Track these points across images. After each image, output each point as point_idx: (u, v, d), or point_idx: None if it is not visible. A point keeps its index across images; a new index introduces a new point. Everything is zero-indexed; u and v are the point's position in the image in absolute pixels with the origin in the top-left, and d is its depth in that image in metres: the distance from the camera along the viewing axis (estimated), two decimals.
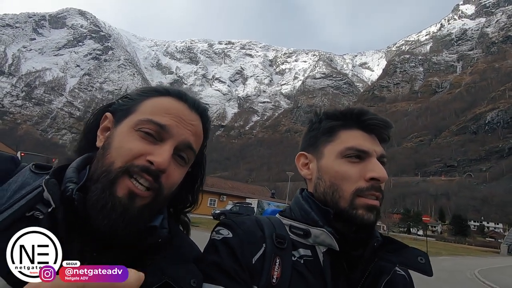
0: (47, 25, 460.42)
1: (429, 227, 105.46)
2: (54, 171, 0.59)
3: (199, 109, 0.69)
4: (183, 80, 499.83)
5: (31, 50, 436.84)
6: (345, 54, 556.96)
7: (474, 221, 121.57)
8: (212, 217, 27.37)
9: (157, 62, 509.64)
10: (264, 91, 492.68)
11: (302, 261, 0.66)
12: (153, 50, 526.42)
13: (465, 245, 60.33)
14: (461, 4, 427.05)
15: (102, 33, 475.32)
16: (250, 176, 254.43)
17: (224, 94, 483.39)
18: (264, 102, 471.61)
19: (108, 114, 0.67)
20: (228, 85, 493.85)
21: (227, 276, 0.62)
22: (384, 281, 0.65)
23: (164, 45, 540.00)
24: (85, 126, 0.70)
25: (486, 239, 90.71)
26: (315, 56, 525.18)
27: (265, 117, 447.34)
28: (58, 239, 0.41)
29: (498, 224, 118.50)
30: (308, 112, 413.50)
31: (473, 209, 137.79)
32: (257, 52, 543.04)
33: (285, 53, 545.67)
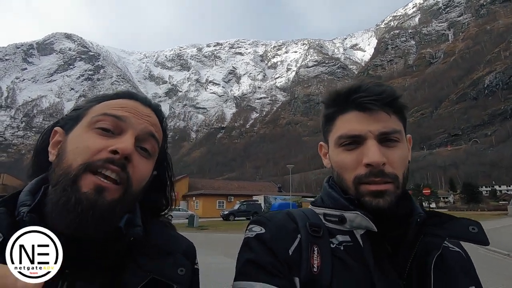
0: (36, 53, 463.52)
1: (441, 198, 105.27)
2: (5, 199, 0.55)
3: (152, 106, 0.67)
4: (178, 87, 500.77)
5: (24, 80, 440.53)
6: (334, 39, 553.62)
7: (486, 187, 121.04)
8: (222, 219, 28.15)
9: (149, 74, 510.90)
10: (259, 87, 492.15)
11: (342, 248, 0.63)
12: (143, 63, 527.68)
13: (477, 211, 60.41)
14: None
15: (91, 53, 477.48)
16: (257, 174, 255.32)
17: (220, 96, 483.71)
18: (260, 98, 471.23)
19: (57, 128, 0.63)
20: (222, 86, 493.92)
21: (265, 272, 0.60)
22: (435, 257, 0.59)
23: (154, 56, 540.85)
24: (35, 149, 0.66)
25: (500, 202, 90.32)
26: (304, 45, 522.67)
27: (264, 113, 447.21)
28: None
29: (510, 186, 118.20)
30: (306, 102, 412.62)
31: (483, 174, 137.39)
32: (246, 49, 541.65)
33: (274, 47, 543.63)
